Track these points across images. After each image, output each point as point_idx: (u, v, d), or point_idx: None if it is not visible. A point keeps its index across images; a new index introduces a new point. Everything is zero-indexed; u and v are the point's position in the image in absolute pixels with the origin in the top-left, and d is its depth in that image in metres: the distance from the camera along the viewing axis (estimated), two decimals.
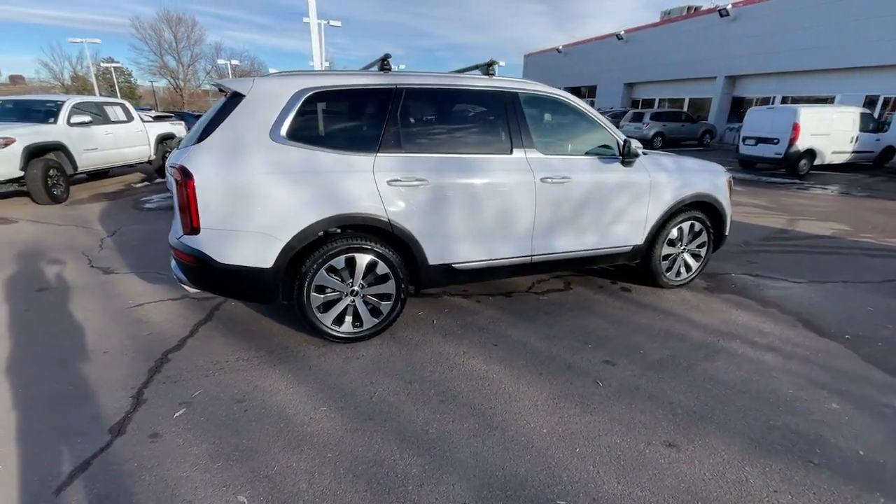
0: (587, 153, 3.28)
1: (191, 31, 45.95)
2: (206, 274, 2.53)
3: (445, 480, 1.79)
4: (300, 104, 2.54)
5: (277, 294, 2.62)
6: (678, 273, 3.80)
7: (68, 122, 7.24)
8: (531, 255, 3.17)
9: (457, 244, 2.92)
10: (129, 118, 8.79)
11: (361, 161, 2.61)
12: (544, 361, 2.67)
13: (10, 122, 7.14)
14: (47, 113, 7.40)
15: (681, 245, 3.72)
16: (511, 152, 2.97)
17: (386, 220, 2.67)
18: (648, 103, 25.18)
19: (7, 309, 3.27)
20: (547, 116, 3.37)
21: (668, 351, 2.81)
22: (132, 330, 2.98)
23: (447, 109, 3.03)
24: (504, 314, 3.29)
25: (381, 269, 2.76)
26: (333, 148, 2.59)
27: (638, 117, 17.78)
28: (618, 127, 18.37)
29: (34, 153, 6.53)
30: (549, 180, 3.03)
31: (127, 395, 2.29)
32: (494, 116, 2.99)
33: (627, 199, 3.36)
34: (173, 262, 2.77)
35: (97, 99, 8.50)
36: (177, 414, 2.16)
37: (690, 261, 3.82)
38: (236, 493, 1.71)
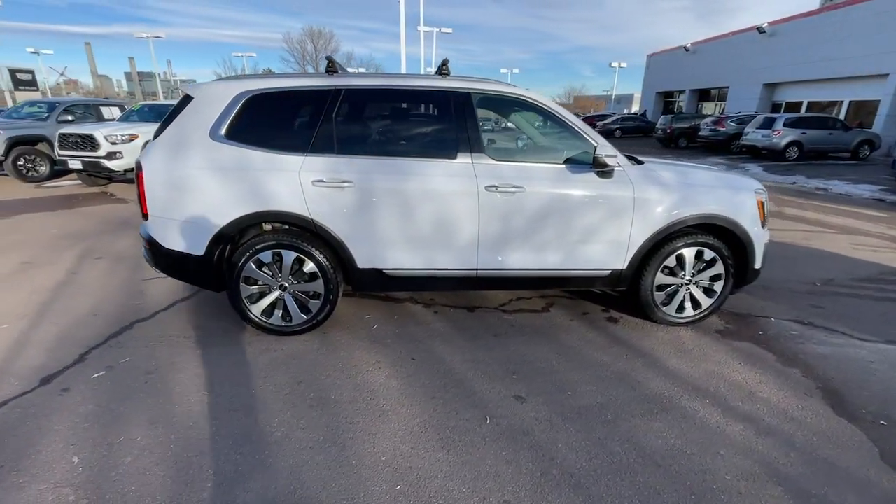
0: (553, 161, 2.90)
1: (328, 42, 51.62)
2: (157, 256, 2.84)
3: (246, 486, 1.76)
4: (240, 106, 2.71)
5: (212, 281, 2.83)
6: (680, 308, 3.16)
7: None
8: (476, 269, 2.92)
9: (387, 250, 2.83)
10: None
11: (290, 161, 2.68)
12: (448, 385, 2.45)
13: (148, 121, 8.85)
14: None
15: (684, 276, 3.08)
16: (455, 157, 2.77)
17: (309, 219, 2.70)
18: (793, 107, 21.26)
19: (62, 269, 4.07)
20: (516, 119, 3.07)
21: (603, 398, 2.36)
22: (129, 300, 3.48)
23: (390, 111, 2.95)
24: (451, 329, 3.09)
25: (309, 267, 2.80)
26: (267, 147, 2.71)
27: (768, 123, 15.10)
28: (741, 135, 15.97)
29: None
30: (496, 189, 2.76)
31: (77, 353, 2.69)
32: (440, 118, 2.82)
33: (602, 216, 2.90)
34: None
35: None
36: (95, 375, 2.47)
37: (700, 296, 3.14)
38: (75, 454, 1.90)
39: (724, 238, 3.05)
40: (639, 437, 2.07)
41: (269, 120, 2.75)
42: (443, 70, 2.91)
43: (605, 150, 2.72)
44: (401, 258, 2.85)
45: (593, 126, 31.64)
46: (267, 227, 2.84)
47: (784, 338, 3.07)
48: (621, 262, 3.00)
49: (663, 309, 3.14)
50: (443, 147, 2.80)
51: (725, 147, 17.32)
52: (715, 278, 3.11)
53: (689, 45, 28.40)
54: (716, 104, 27.36)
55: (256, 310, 2.86)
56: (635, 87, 43.66)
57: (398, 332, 3.04)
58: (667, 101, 32.57)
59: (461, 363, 2.68)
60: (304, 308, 2.90)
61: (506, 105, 2.94)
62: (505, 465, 1.90)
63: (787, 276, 4.25)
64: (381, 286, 2.97)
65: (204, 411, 2.19)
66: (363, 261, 2.83)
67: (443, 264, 2.90)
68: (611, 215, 2.90)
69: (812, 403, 2.34)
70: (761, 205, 3.07)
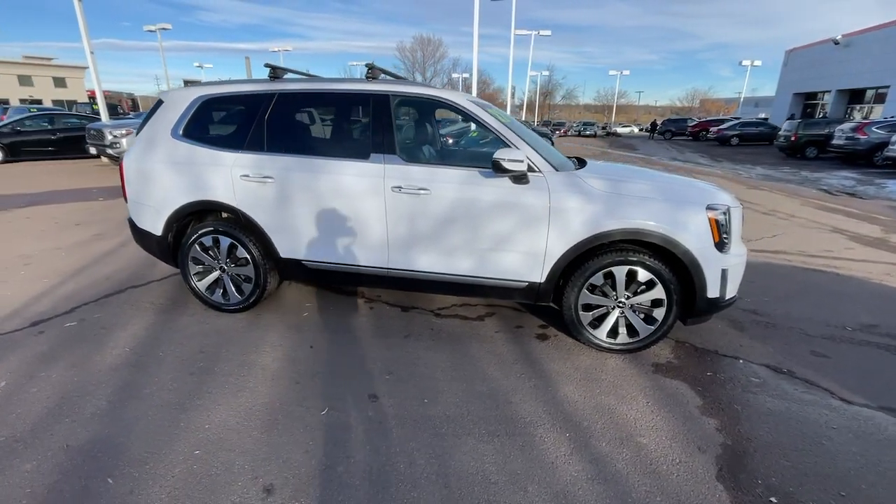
0: (470, 165, 2.82)
1: (436, 49, 53.88)
2: (134, 233, 3.41)
3: (90, 426, 2.08)
4: (195, 109, 3.13)
5: (169, 257, 3.31)
6: (614, 333, 2.82)
7: None
8: (387, 269, 2.97)
9: (305, 242, 3.02)
10: None
11: (227, 157, 3.02)
12: (319, 375, 2.56)
13: None
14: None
15: (616, 297, 2.76)
16: (367, 158, 2.86)
17: (237, 209, 3.02)
18: None
19: (117, 242, 5.02)
20: (450, 124, 3.03)
21: (456, 411, 2.26)
22: (141, 269, 4.19)
23: (315, 114, 3.12)
24: (370, 325, 3.18)
25: (241, 253, 3.12)
26: (212, 145, 3.09)
27: None
28: (887, 145, 12.86)
29: None
30: (401, 190, 2.78)
31: (71, 306, 3.36)
32: (358, 120, 2.93)
33: (515, 224, 2.73)
34: None
35: None
36: (68, 324, 3.08)
37: (637, 322, 2.78)
38: (4, 379, 2.43)
39: (665, 258, 2.66)
40: (455, 456, 1.96)
41: (215, 121, 3.13)
42: (369, 74, 3.01)
43: (510, 154, 2.57)
44: (317, 252, 3.03)
45: (704, 132, 28.53)
46: (225, 214, 3.22)
47: (735, 384, 2.56)
48: (538, 275, 2.79)
49: (591, 331, 2.84)
50: (357, 148, 2.91)
51: (866, 159, 14.24)
52: (656, 303, 2.73)
53: (839, 37, 23.82)
54: (870, 108, 22.54)
55: (202, 286, 3.27)
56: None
57: (321, 321, 3.22)
58: (808, 103, 27.73)
59: (350, 356, 2.76)
60: (239, 290, 3.24)
61: (424, 107, 2.93)
62: (302, 453, 1.96)
63: (815, 314, 3.48)
64: (304, 277, 3.18)
65: (111, 363, 2.62)
66: (285, 251, 3.07)
67: (356, 261, 3.00)
68: (524, 224, 2.72)
69: (696, 461, 1.96)
70: (715, 223, 2.60)
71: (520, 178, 2.68)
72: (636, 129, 50.78)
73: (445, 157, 2.90)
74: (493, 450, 2.00)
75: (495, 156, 2.56)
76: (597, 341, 2.84)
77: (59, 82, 51.79)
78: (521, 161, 2.57)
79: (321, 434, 2.08)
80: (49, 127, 12.94)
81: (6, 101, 36.74)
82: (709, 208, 2.61)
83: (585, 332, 2.84)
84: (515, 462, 1.94)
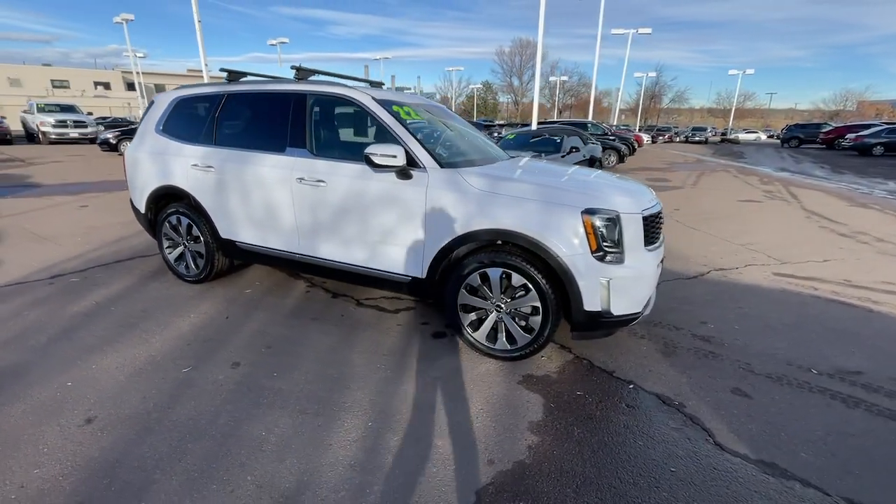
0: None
1: (535, 52, 53.03)
2: (133, 211, 4.12)
3: None
4: (172, 108, 3.70)
5: (152, 232, 3.95)
6: (493, 339, 2.72)
7: None
8: (296, 254, 3.22)
9: (236, 225, 3.40)
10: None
11: (186, 149, 3.53)
12: (209, 341, 2.88)
13: None
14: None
15: (493, 300, 2.66)
16: (284, 151, 3.13)
17: (188, 194, 3.51)
18: None
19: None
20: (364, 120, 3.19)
21: (289, 386, 2.41)
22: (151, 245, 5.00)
23: (252, 111, 3.44)
24: (292, 306, 3.45)
25: (195, 232, 3.62)
26: (179, 139, 3.62)
27: None
28: None
29: None
30: (303, 181, 3.01)
31: (87, 266, 4.18)
32: (280, 117, 3.20)
33: (396, 218, 2.79)
34: None
35: None
36: (73, 280, 3.85)
37: (516, 330, 2.65)
38: None
39: (537, 263, 2.49)
40: (252, 422, 2.12)
41: (184, 118, 3.67)
42: (297, 75, 3.28)
43: (383, 149, 2.62)
44: (245, 234, 3.39)
45: (840, 139, 23.71)
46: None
47: (598, 408, 2.31)
48: (419, 271, 2.81)
49: (471, 333, 2.77)
50: (277, 142, 3.19)
51: None
52: (535, 311, 2.57)
53: None
54: None
55: (171, 258, 3.86)
56: None
57: (256, 298, 3.58)
58: None
59: (249, 330, 3.05)
60: (196, 264, 3.75)
61: (336, 103, 3.09)
62: (140, 399, 2.27)
63: (785, 350, 2.92)
64: (240, 257, 3.56)
65: (75, 311, 3.24)
66: (224, 232, 3.48)
67: (273, 245, 3.30)
68: (405, 218, 2.76)
69: (469, 474, 1.86)
70: (592, 229, 2.37)
71: (404, 174, 2.73)
72: (763, 136, 44.41)
73: (353, 152, 3.04)
74: (290, 424, 2.12)
75: (366, 150, 2.65)
76: (479, 345, 2.76)
77: None
78: (395, 156, 2.61)
79: (167, 386, 2.39)
80: None
81: None
82: (587, 212, 2.39)
83: (466, 333, 2.78)
84: (298, 438, 2.03)
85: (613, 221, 2.40)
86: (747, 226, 6.57)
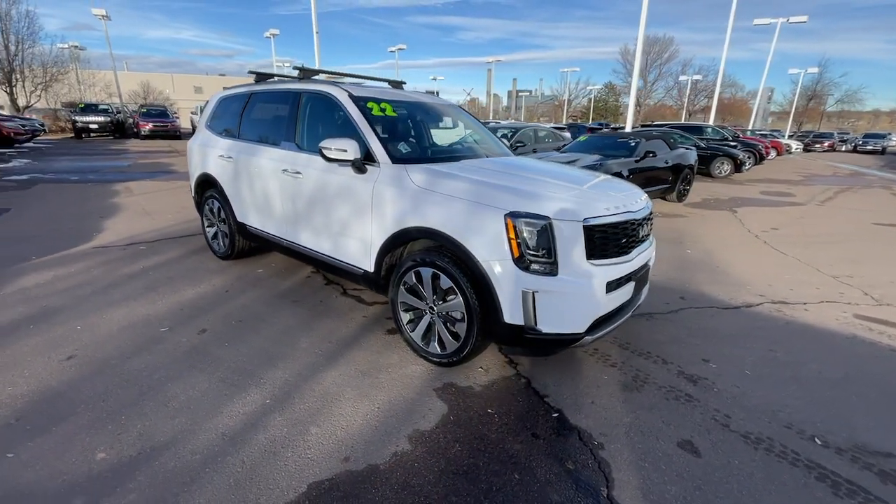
0: None
1: (664, 49, 48.26)
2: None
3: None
4: (216, 106, 4.27)
5: (200, 213, 4.60)
6: (426, 340, 2.64)
7: None
8: (284, 239, 3.48)
9: (247, 210, 3.80)
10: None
11: (219, 142, 4.05)
12: (195, 307, 3.28)
13: None
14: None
15: (426, 301, 2.58)
16: (279, 145, 3.42)
17: (216, 179, 4.02)
18: None
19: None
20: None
21: (232, 356, 2.63)
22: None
23: (264, 109, 3.75)
24: (291, 289, 3.74)
25: (223, 214, 4.13)
26: (216, 133, 4.16)
27: None
28: None
29: None
30: (286, 172, 3.24)
31: (158, 238, 5.04)
32: (282, 113, 3.48)
33: (350, 210, 2.86)
34: None
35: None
36: (142, 247, 4.68)
37: (445, 334, 2.53)
38: (38, 262, 4.01)
39: (461, 265, 2.34)
40: (178, 383, 2.38)
41: (221, 115, 4.20)
42: (300, 74, 3.52)
43: (336, 143, 2.69)
44: (252, 219, 3.77)
45: None
46: None
47: (499, 426, 2.10)
48: (369, 264, 2.84)
49: (410, 333, 2.71)
50: (277, 136, 3.48)
51: None
52: (462, 318, 2.43)
53: None
54: None
55: (209, 235, 4.45)
56: None
57: (260, 278, 3.95)
58: None
59: (235, 305, 3.38)
60: (224, 242, 4.27)
61: (320, 100, 3.23)
62: (114, 347, 2.70)
63: (798, 409, 2.32)
64: (251, 238, 3.95)
65: (127, 272, 3.95)
66: (239, 216, 3.92)
67: (270, 230, 3.61)
68: (357, 212, 2.82)
69: (306, 436, 1.85)
70: (514, 234, 2.15)
71: (358, 168, 2.79)
72: None
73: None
74: (204, 388, 2.33)
75: (320, 144, 2.75)
76: (416, 345, 2.70)
77: None
78: (346, 150, 2.67)
79: (141, 341, 2.79)
80: None
81: None
82: (511, 215, 2.18)
83: (405, 331, 2.73)
84: (201, 402, 2.23)
85: (543, 228, 2.15)
86: (860, 255, 5.23)
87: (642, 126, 16.04)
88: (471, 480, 1.80)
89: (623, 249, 2.42)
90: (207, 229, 4.47)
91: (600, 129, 24.70)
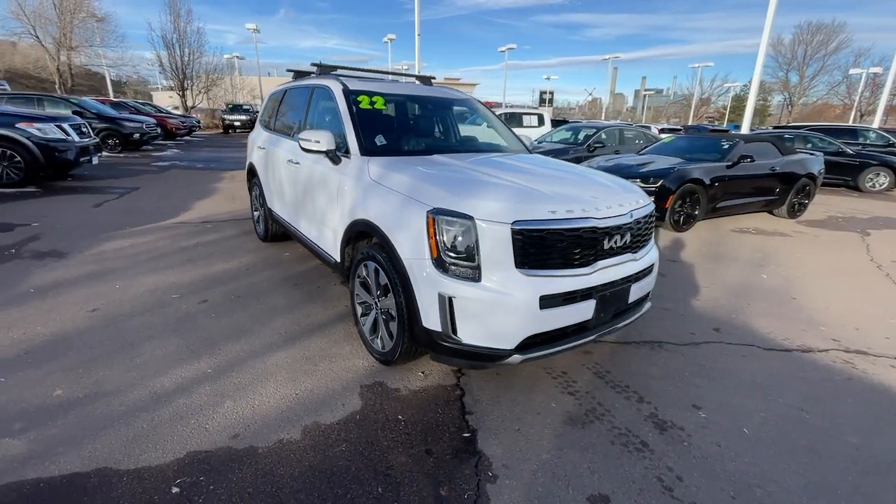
0: None
1: (828, 37, 40.15)
2: None
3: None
4: (267, 102, 4.70)
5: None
6: (375, 335, 2.59)
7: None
8: (292, 225, 3.71)
9: (273, 196, 4.13)
10: (542, 124, 11.84)
11: (261, 134, 4.47)
12: (214, 280, 3.66)
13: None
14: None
15: (372, 296, 2.53)
16: (293, 136, 3.64)
17: (255, 167, 4.44)
18: None
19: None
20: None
21: (213, 325, 2.90)
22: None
23: (290, 103, 3.98)
24: (301, 275, 3.98)
25: (261, 199, 4.56)
26: (262, 126, 4.59)
27: None
28: None
29: None
30: (290, 162, 3.45)
31: (227, 218, 5.74)
32: (300, 107, 3.69)
33: (325, 200, 2.95)
34: None
35: (518, 110, 12.16)
36: (208, 225, 5.38)
37: (384, 332, 2.47)
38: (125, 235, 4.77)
39: (396, 263, 2.24)
40: (157, 339, 2.69)
41: (267, 109, 4.60)
42: (319, 70, 3.68)
43: (311, 135, 2.75)
44: (276, 205, 4.08)
45: None
46: None
47: (397, 436, 1.97)
48: (337, 253, 2.88)
49: (362, 326, 2.69)
50: (293, 128, 3.71)
51: None
52: (395, 316, 2.34)
53: None
54: None
55: (254, 219, 4.95)
56: None
57: (282, 260, 4.27)
58: None
59: (244, 282, 3.70)
60: (262, 226, 4.69)
61: (322, 94, 3.31)
62: (130, 302, 3.16)
63: (785, 480, 1.79)
64: (277, 224, 4.27)
65: (187, 244, 4.58)
66: (268, 201, 4.28)
67: (284, 216, 3.88)
68: (329, 202, 2.89)
69: (197, 408, 1.94)
70: (433, 232, 1.99)
71: (332, 159, 2.85)
72: None
73: None
74: (169, 351, 2.60)
75: (299, 135, 2.85)
76: (365, 337, 2.67)
77: None
78: (319, 142, 2.74)
79: (151, 304, 3.21)
80: None
81: None
82: (433, 212, 2.02)
83: (359, 323, 2.72)
84: (157, 362, 2.48)
85: (467, 229, 1.96)
86: None
87: (776, 128, 13.66)
88: (331, 483, 1.72)
89: (577, 260, 2.09)
90: (254, 213, 4.97)
91: (726, 131, 21.58)
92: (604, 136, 8.97)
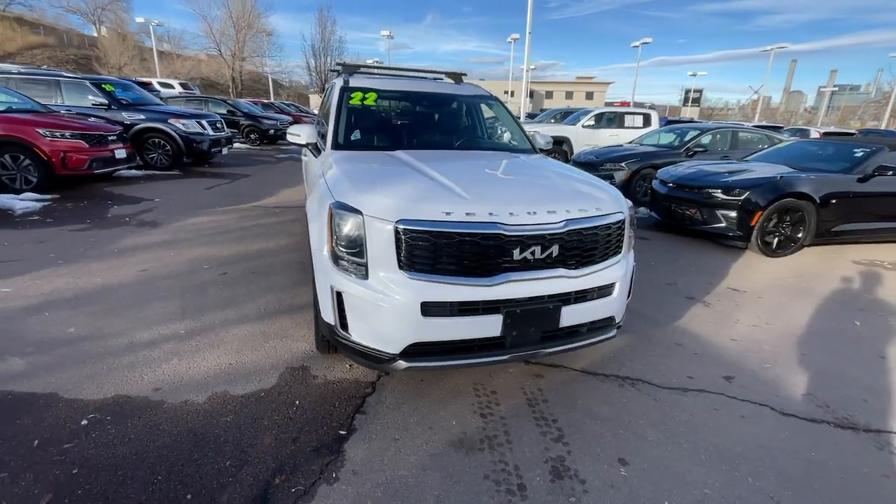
0: None
1: None
2: None
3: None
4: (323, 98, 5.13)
5: None
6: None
7: (582, 125, 10.60)
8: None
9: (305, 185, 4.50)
10: (647, 124, 10.67)
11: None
12: (240, 258, 4.15)
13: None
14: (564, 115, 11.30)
15: None
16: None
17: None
18: None
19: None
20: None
21: (201, 300, 3.32)
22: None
23: (325, 101, 4.25)
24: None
25: None
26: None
27: None
28: None
29: None
30: (306, 155, 3.74)
31: (284, 205, 6.43)
32: (325, 102, 3.96)
33: (308, 189, 3.12)
34: None
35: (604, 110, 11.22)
36: (266, 210, 6.09)
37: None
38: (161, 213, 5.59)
39: None
40: (148, 308, 3.19)
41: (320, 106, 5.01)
42: (343, 69, 3.88)
43: (295, 129, 2.97)
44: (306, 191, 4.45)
45: None
46: None
47: (278, 424, 2.04)
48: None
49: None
50: (320, 123, 4.00)
51: None
52: None
53: None
54: None
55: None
56: None
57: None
58: None
59: (268, 260, 4.13)
60: None
61: (331, 92, 3.48)
62: (172, 267, 3.77)
63: None
64: None
65: (241, 224, 5.28)
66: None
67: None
68: (308, 191, 3.06)
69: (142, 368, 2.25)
70: (330, 223, 2.00)
71: (314, 151, 3.03)
72: None
73: None
74: (169, 311, 3.05)
75: (288, 129, 3.07)
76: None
77: (589, 95, 67.17)
78: (299, 135, 2.96)
79: (184, 271, 3.79)
80: None
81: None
82: (334, 205, 2.03)
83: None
84: (153, 319, 2.94)
85: (356, 223, 1.94)
86: None
87: None
88: (194, 447, 1.87)
89: (476, 269, 1.90)
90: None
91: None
92: (705, 139, 7.71)
